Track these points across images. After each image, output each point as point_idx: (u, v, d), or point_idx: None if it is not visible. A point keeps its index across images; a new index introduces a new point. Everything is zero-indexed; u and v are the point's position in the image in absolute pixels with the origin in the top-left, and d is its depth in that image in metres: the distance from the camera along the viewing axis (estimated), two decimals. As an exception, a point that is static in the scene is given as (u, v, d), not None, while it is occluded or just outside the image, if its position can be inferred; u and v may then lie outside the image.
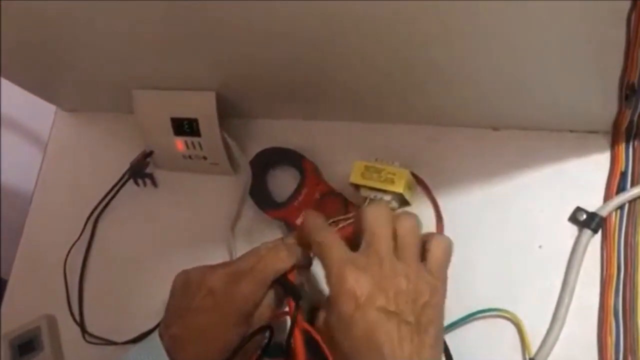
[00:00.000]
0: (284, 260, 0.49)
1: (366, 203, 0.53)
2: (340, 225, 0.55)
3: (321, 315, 0.47)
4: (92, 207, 0.65)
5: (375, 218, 0.46)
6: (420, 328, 0.42)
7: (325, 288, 0.55)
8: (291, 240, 0.54)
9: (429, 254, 0.45)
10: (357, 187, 0.54)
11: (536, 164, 0.55)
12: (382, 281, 0.43)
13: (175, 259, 0.59)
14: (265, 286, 0.48)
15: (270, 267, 0.48)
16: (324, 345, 0.45)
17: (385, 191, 0.52)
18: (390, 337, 0.42)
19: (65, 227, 0.66)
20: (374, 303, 0.42)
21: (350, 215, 0.54)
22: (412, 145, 0.59)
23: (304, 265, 0.53)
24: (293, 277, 0.50)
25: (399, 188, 0.52)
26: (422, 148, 0.58)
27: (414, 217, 0.47)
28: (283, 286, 0.49)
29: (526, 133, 0.56)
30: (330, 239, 0.47)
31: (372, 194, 0.53)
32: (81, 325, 0.62)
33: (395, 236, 0.45)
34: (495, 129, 0.57)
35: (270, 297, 0.50)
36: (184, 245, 0.62)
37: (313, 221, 0.49)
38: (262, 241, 0.55)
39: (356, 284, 0.43)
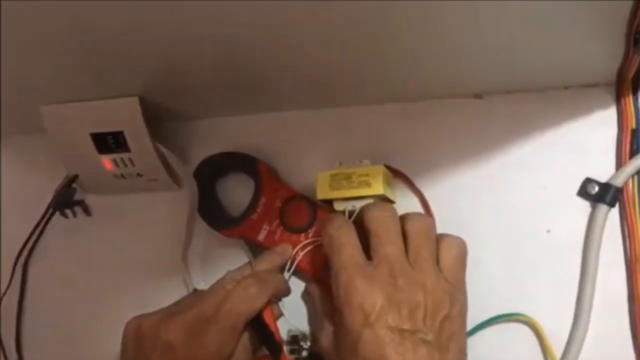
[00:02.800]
0: (254, 297, 0.41)
1: (346, 215, 0.44)
2: (308, 249, 0.46)
3: (326, 330, 0.41)
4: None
5: (378, 219, 0.40)
6: (441, 345, 0.37)
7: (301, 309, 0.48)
8: (262, 264, 0.45)
9: (440, 259, 0.40)
10: (329, 202, 0.45)
11: (531, 133, 0.46)
12: (395, 294, 0.37)
13: (123, 297, 0.53)
14: (236, 333, 0.41)
15: (239, 309, 0.41)
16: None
17: (363, 197, 0.44)
18: None
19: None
20: (385, 321, 0.37)
21: (319, 238, 0.46)
22: (382, 128, 0.49)
23: (282, 295, 0.45)
24: (270, 315, 0.42)
25: (379, 189, 0.43)
26: (394, 130, 0.49)
27: (426, 216, 0.43)
28: (257, 331, 0.41)
29: (514, 97, 0.47)
30: (345, 236, 0.40)
31: (349, 205, 0.44)
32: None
33: (406, 238, 0.40)
34: (478, 96, 0.48)
35: (245, 338, 0.42)
36: (132, 280, 0.53)
37: (334, 214, 0.44)
38: (222, 266, 0.47)
39: (364, 299, 0.37)
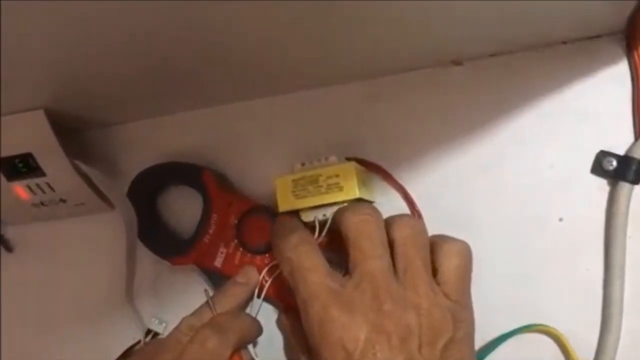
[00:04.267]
0: (214, 353, 0.34)
1: (316, 226, 0.36)
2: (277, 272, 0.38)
3: None
4: None
5: (359, 225, 0.33)
6: None
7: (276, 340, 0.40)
8: (223, 301, 0.37)
9: (439, 269, 0.34)
10: (294, 211, 0.37)
11: (527, 102, 0.38)
12: (382, 321, 0.31)
13: (63, 348, 0.45)
14: None
15: None
16: None
17: (335, 203, 0.36)
18: None
19: None
20: (373, 356, 0.30)
21: None
22: (347, 113, 0.41)
23: (250, 340, 0.38)
24: None
25: (353, 192, 0.35)
26: (362, 114, 0.41)
27: (414, 219, 0.36)
28: None
29: (501, 60, 0.39)
30: (307, 258, 0.34)
31: (319, 214, 0.36)
32: None
33: (392, 247, 0.33)
34: (457, 63, 0.40)
35: None
36: (71, 326, 0.45)
37: (283, 223, 0.37)
38: (177, 296, 0.42)
39: (344, 333, 0.31)
